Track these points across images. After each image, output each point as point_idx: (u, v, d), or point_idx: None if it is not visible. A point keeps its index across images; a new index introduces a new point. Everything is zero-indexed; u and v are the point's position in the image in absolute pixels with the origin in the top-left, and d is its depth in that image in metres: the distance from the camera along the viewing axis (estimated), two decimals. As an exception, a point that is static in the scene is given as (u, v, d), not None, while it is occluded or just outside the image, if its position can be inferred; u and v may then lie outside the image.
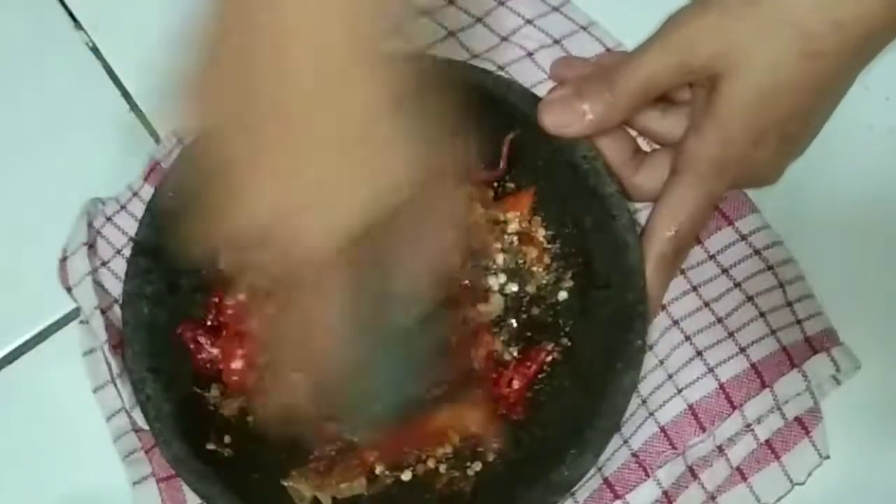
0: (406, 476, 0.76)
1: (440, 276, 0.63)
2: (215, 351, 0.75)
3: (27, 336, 0.84)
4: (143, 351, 0.72)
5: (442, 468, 0.75)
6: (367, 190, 0.56)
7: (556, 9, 0.84)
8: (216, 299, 0.76)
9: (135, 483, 0.78)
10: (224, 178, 0.56)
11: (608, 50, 0.81)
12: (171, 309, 0.75)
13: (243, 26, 0.55)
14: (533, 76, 0.81)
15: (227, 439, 0.74)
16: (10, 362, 0.84)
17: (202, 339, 0.75)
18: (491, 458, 0.76)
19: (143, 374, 0.71)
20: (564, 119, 0.70)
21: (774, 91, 0.66)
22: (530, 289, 0.78)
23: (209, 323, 0.76)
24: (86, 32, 0.90)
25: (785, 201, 0.78)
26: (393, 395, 0.69)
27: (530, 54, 0.82)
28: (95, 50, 0.90)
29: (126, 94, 0.89)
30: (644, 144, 0.76)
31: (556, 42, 0.82)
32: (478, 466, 0.75)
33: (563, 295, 0.77)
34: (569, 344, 0.76)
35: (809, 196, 0.79)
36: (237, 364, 0.76)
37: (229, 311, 0.77)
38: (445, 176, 0.60)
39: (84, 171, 0.86)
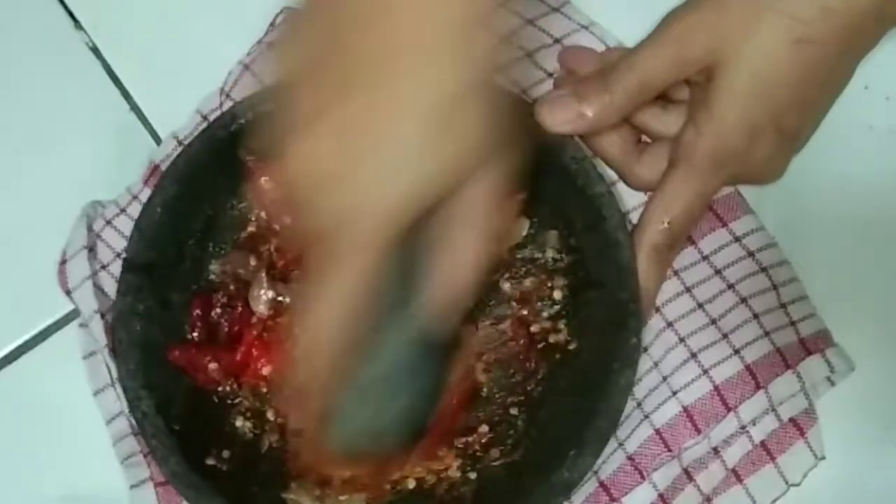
0: (410, 484, 0.76)
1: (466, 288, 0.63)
2: (214, 366, 0.76)
3: (27, 336, 0.85)
4: (138, 368, 0.72)
5: (443, 473, 0.76)
6: (433, 163, 0.57)
7: (556, 9, 0.83)
8: (198, 311, 0.77)
9: (132, 486, 0.78)
10: (303, 118, 0.57)
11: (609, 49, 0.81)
12: (164, 325, 0.75)
13: None
14: (532, 76, 0.81)
15: (225, 454, 0.74)
16: (10, 362, 0.84)
17: (200, 360, 0.76)
18: (492, 460, 0.76)
19: (138, 391, 0.72)
20: (562, 118, 0.71)
21: (768, 80, 0.67)
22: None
23: (195, 338, 0.77)
24: (86, 32, 0.90)
25: (784, 201, 0.78)
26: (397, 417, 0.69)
27: (530, 54, 0.81)
28: (95, 50, 0.90)
29: (126, 94, 0.89)
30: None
31: (557, 41, 0.81)
32: (478, 471, 0.75)
33: (556, 295, 0.77)
34: (564, 344, 0.77)
35: (809, 196, 0.79)
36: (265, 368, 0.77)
37: (221, 319, 0.77)
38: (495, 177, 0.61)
39: (84, 172, 0.87)
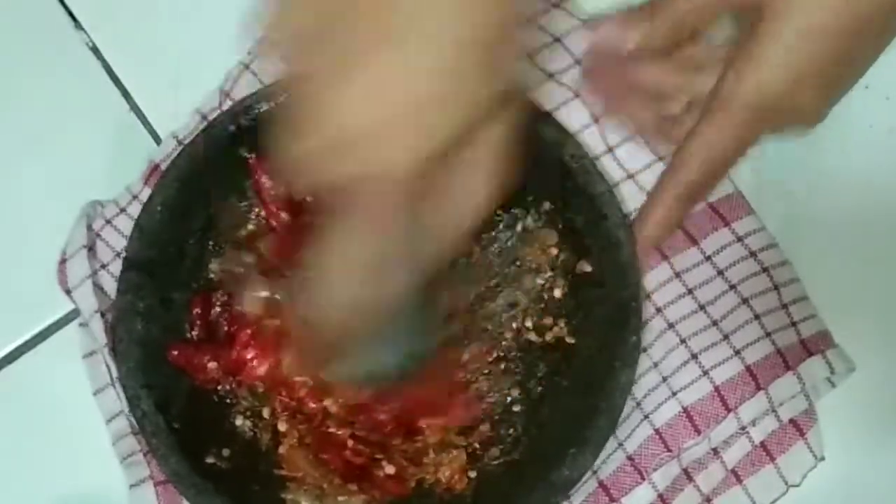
0: (410, 483, 0.76)
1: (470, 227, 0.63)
2: (214, 365, 0.76)
3: (27, 336, 0.85)
4: (138, 367, 0.73)
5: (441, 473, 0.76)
6: (455, 110, 0.56)
7: (555, 5, 0.83)
8: (198, 310, 0.77)
9: (132, 486, 0.78)
10: (315, 85, 0.56)
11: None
12: (165, 324, 0.75)
13: None
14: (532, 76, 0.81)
15: (225, 452, 0.74)
16: (11, 362, 0.84)
17: (198, 360, 0.76)
18: (492, 459, 0.76)
19: (137, 390, 0.72)
20: (609, 37, 0.72)
21: (818, 30, 0.64)
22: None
23: (194, 337, 0.77)
24: (86, 32, 0.90)
25: (784, 201, 0.78)
26: (412, 344, 0.69)
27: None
28: (95, 50, 0.90)
29: (126, 94, 0.89)
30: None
31: (556, 41, 0.81)
32: (477, 470, 0.76)
33: (557, 294, 0.77)
34: (565, 343, 0.77)
35: (809, 195, 0.79)
36: (259, 368, 0.77)
37: (221, 318, 0.78)
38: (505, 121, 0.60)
39: (84, 171, 0.86)
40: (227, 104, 0.81)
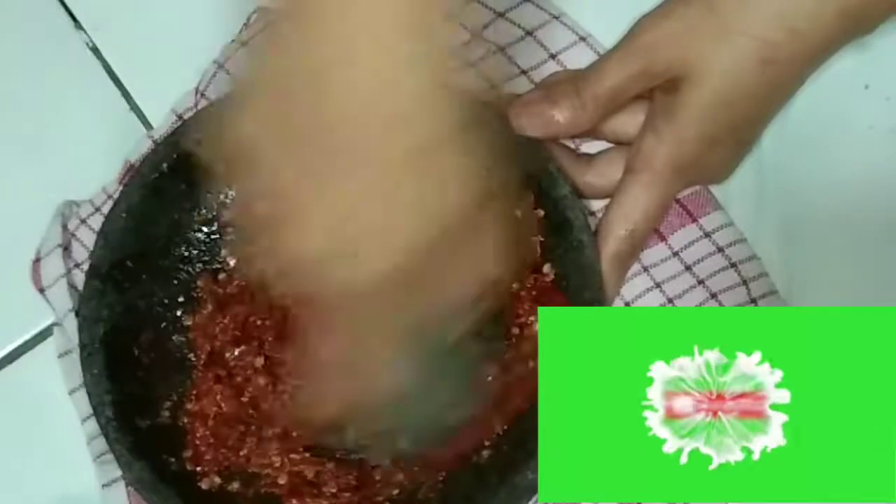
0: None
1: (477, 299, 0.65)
2: None
3: (27, 336, 0.85)
4: (102, 374, 0.73)
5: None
6: (419, 218, 0.57)
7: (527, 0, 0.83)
8: None
9: (104, 485, 0.79)
10: (276, 205, 0.58)
11: (582, 39, 0.80)
12: (129, 331, 0.75)
13: (298, 48, 0.56)
14: (507, 71, 0.81)
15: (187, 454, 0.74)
16: (10, 362, 0.85)
17: None
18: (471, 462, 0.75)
19: (102, 397, 0.72)
20: (535, 122, 0.72)
21: (732, 96, 0.68)
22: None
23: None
24: (86, 32, 0.91)
25: (784, 201, 0.78)
26: (425, 424, 0.70)
27: (502, 49, 0.81)
28: (95, 50, 0.91)
29: (126, 94, 0.89)
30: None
31: (529, 34, 0.81)
32: (442, 474, 0.74)
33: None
34: None
35: (808, 196, 0.78)
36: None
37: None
38: (488, 204, 0.61)
39: (83, 171, 0.87)
40: (203, 103, 0.81)
